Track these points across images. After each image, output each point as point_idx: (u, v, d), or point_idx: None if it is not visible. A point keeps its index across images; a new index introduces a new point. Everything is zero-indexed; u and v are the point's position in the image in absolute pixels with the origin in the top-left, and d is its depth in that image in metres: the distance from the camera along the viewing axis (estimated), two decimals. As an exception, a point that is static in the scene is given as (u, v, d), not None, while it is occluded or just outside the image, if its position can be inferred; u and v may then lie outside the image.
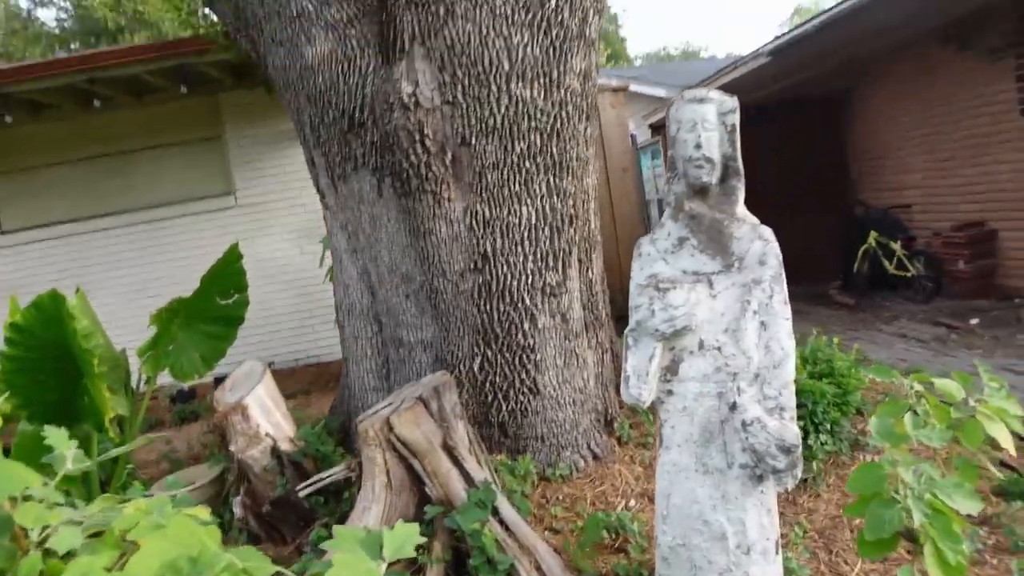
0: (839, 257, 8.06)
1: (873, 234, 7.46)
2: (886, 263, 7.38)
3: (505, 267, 3.11)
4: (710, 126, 2.09)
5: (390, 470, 2.60)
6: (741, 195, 2.15)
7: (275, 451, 3.12)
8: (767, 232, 2.08)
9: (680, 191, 2.16)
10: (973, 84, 6.56)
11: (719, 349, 2.08)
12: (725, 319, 2.08)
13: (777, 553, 2.12)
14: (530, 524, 2.89)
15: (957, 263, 6.73)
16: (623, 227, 8.10)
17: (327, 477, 2.81)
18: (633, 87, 11.25)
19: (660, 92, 9.96)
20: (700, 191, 2.14)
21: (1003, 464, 3.53)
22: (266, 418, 3.18)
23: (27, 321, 2.92)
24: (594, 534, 2.44)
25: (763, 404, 2.03)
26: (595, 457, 3.34)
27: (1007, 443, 1.78)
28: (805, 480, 3.21)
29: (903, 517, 1.53)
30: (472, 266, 3.10)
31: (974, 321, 6.18)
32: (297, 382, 6.81)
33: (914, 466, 1.60)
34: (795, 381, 3.63)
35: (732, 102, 2.13)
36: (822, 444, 3.30)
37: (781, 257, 2.06)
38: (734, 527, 2.06)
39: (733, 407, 2.03)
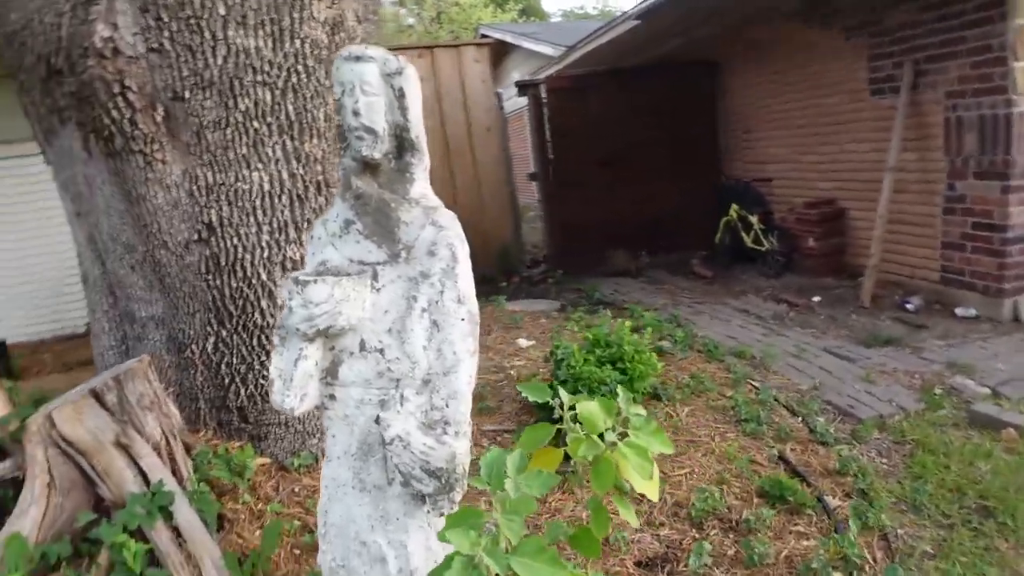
0: (708, 227, 8.03)
1: (734, 207, 7.44)
2: (744, 236, 7.38)
3: (235, 239, 2.78)
4: (371, 89, 1.76)
5: (53, 469, 2.29)
6: (420, 172, 1.85)
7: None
8: (443, 217, 1.78)
9: (349, 165, 1.85)
10: (832, 62, 6.49)
11: (382, 352, 1.79)
12: (389, 317, 1.79)
13: (450, 577, 1.92)
14: (238, 525, 2.65)
15: (808, 240, 6.77)
16: (488, 187, 7.82)
17: (-12, 475, 2.47)
18: (526, 44, 10.90)
19: (548, 50, 9.62)
20: (370, 167, 1.83)
21: (780, 458, 3.40)
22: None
23: None
24: (271, 543, 2.21)
25: (429, 416, 1.79)
26: (348, 445, 3.10)
27: (645, 488, 1.49)
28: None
29: None
30: (196, 237, 2.76)
31: (816, 299, 6.22)
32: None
33: (486, 524, 1.28)
34: (575, 367, 3.52)
35: (397, 62, 1.80)
36: (590, 435, 3.15)
37: (460, 246, 1.77)
38: (395, 551, 1.81)
39: (377, 421, 1.79)
